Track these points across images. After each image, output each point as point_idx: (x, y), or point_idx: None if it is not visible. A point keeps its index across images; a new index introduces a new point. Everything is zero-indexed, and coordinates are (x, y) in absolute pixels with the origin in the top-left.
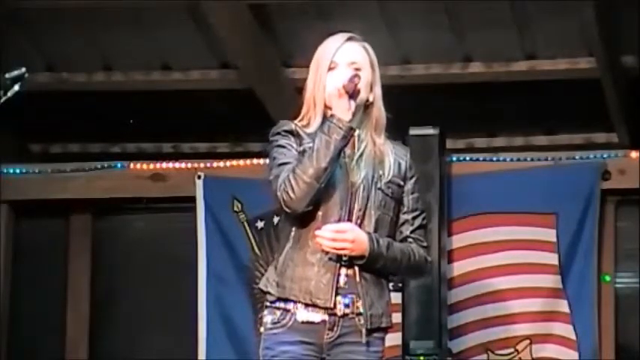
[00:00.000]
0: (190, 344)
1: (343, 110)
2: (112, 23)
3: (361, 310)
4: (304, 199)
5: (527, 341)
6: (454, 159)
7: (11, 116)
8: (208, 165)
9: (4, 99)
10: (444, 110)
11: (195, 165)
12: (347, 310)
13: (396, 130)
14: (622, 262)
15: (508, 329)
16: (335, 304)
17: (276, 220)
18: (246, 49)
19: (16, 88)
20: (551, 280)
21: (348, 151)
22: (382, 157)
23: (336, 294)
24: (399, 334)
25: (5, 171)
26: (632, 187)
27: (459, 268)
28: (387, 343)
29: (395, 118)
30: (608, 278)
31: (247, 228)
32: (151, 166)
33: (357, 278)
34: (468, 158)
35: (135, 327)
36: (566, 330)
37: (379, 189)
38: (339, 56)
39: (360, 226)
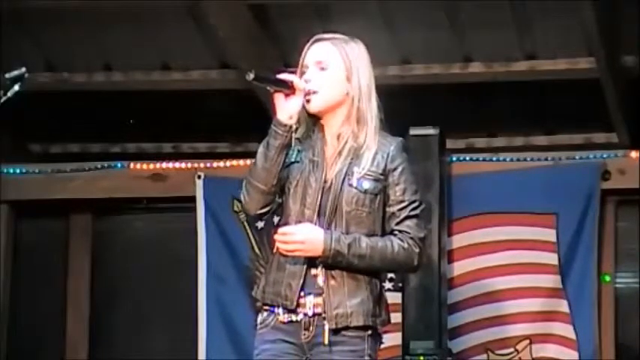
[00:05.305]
0: (190, 344)
1: (280, 110)
2: (112, 23)
3: (326, 309)
4: (253, 201)
5: (527, 341)
6: (454, 159)
7: (11, 116)
8: (208, 165)
9: (4, 99)
10: (444, 110)
11: (195, 165)
12: (318, 310)
13: (396, 130)
14: (622, 262)
15: (508, 329)
16: (299, 305)
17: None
18: (246, 49)
19: (16, 88)
20: (551, 280)
21: (331, 149)
22: (362, 152)
23: (306, 295)
24: (399, 334)
25: (5, 171)
26: (632, 187)
27: (459, 268)
28: (388, 343)
29: (395, 118)
30: (608, 278)
31: (247, 228)
32: (151, 166)
33: (324, 277)
34: (468, 158)
35: (135, 327)
36: (566, 330)
37: (350, 185)
38: (307, 58)
39: (330, 223)
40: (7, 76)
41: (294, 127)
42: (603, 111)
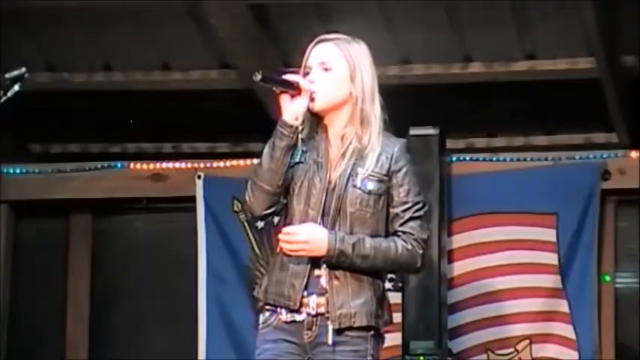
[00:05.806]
0: (190, 344)
1: (286, 111)
2: (112, 23)
3: (329, 309)
4: (258, 202)
5: (527, 341)
6: (454, 159)
7: (11, 116)
8: (208, 165)
9: (4, 99)
10: (444, 110)
11: (195, 165)
12: (321, 310)
13: (396, 130)
14: (622, 262)
15: (508, 329)
16: (302, 305)
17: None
18: (246, 49)
19: (16, 88)
20: (551, 280)
21: (335, 150)
22: (365, 153)
23: (309, 294)
24: (399, 334)
25: (5, 171)
26: (632, 187)
27: (459, 268)
28: (388, 343)
29: (395, 118)
30: (608, 278)
31: (247, 228)
32: (151, 166)
33: (327, 278)
34: (468, 158)
35: (135, 327)
36: (566, 330)
37: (354, 186)
38: (311, 59)
39: (334, 224)
40: (7, 76)
41: (299, 128)
42: (603, 111)
